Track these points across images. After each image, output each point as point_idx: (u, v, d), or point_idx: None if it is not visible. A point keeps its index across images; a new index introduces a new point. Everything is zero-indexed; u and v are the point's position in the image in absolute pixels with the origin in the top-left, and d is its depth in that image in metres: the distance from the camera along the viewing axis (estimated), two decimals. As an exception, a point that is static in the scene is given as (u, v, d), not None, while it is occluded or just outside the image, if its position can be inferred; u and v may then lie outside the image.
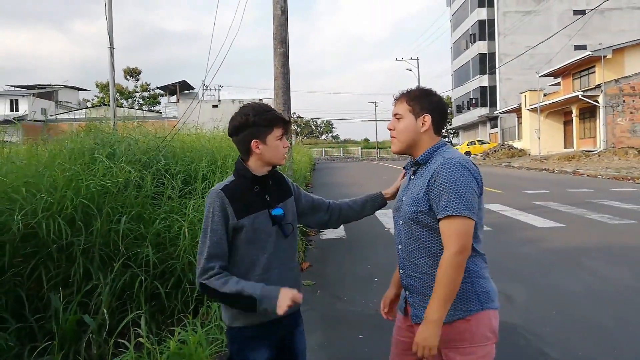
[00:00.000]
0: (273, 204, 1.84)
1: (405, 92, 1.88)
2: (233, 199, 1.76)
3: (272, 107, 1.90)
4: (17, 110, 43.18)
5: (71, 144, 4.24)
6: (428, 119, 1.81)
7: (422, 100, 1.82)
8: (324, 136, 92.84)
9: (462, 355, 1.69)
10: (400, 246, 1.85)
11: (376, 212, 2.22)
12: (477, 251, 1.75)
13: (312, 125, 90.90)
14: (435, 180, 1.69)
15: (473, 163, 1.75)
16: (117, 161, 4.05)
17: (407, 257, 1.81)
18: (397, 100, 1.88)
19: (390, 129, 1.89)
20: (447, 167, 1.69)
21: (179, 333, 3.00)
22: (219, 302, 1.76)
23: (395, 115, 1.86)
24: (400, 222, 1.84)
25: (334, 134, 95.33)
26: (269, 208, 1.82)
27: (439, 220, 1.68)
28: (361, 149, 60.90)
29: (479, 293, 1.72)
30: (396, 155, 1.93)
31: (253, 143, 1.79)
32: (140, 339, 2.89)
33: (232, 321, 1.81)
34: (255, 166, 1.83)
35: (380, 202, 2.16)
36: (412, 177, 1.86)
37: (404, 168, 1.99)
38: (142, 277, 3.34)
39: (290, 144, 8.72)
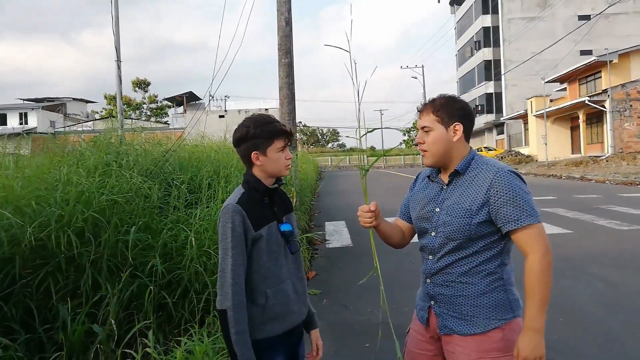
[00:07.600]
0: (280, 217, 1.86)
1: (429, 102, 1.80)
2: (249, 211, 1.73)
3: (277, 118, 1.88)
4: (26, 123, 43.79)
5: (89, 156, 4.29)
6: (459, 127, 1.75)
7: (450, 108, 1.75)
8: (330, 145, 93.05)
9: None
10: (430, 257, 1.80)
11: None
12: (509, 260, 1.76)
13: (318, 134, 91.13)
14: (496, 192, 1.65)
15: None
16: (127, 171, 4.10)
17: (440, 267, 1.76)
18: (422, 111, 1.79)
19: (420, 143, 1.80)
20: (505, 177, 1.66)
21: (186, 343, 3.02)
22: (222, 331, 1.68)
23: (422, 128, 1.79)
24: (433, 233, 1.78)
25: (340, 142, 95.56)
26: (278, 220, 1.84)
27: (511, 230, 1.64)
28: (367, 157, 60.86)
29: (511, 301, 1.71)
30: (427, 166, 1.88)
31: (253, 155, 1.78)
32: (148, 349, 2.91)
33: (250, 334, 1.71)
34: (260, 178, 1.82)
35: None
36: (445, 187, 1.79)
37: (428, 177, 1.90)
38: (150, 287, 3.37)
39: (296, 155, 8.73)
